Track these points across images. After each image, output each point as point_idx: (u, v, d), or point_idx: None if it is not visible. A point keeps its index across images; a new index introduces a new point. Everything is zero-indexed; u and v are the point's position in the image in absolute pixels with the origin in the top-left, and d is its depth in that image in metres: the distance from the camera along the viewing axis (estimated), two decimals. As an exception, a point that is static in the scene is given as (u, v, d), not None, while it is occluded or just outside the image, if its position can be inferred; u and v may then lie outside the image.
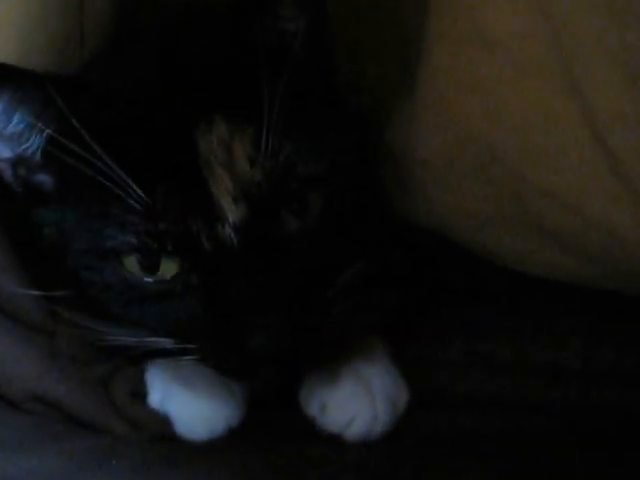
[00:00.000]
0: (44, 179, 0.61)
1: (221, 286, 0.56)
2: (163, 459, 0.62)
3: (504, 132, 0.57)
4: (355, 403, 0.64)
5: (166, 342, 0.60)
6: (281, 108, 0.56)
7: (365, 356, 0.67)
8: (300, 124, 0.58)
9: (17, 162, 0.60)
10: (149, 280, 0.58)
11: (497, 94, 0.56)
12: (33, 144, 0.59)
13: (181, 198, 0.56)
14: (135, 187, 0.55)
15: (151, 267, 0.58)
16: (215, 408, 0.64)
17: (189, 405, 0.64)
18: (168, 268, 0.58)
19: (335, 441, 0.64)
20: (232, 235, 0.56)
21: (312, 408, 0.65)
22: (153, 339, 0.60)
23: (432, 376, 0.69)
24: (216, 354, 0.59)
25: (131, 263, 0.58)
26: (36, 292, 0.63)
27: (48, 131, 0.58)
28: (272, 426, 0.67)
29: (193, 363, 0.60)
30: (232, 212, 0.56)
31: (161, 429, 0.64)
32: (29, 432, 0.62)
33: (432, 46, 0.59)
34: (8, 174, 0.61)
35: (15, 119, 0.58)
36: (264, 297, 0.56)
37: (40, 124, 0.58)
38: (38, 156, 0.60)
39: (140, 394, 0.65)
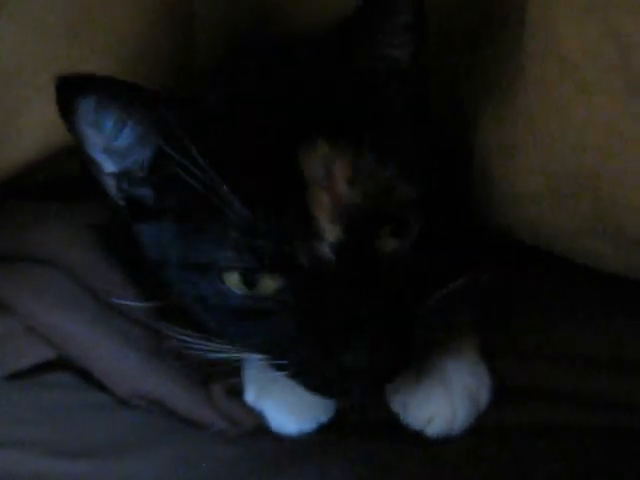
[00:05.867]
0: (145, 193, 0.63)
1: (317, 304, 0.58)
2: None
3: (585, 155, 0.56)
4: (434, 402, 0.65)
5: (256, 357, 0.63)
6: (381, 131, 0.58)
7: (451, 351, 0.68)
8: (398, 147, 0.60)
9: (121, 175, 0.63)
10: (247, 296, 0.60)
11: (571, 114, 0.55)
12: (139, 158, 0.62)
13: (281, 215, 0.57)
14: (238, 202, 0.57)
15: (250, 283, 0.60)
16: (305, 406, 0.67)
17: (281, 403, 0.68)
18: (266, 285, 0.59)
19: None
20: (330, 254, 0.58)
21: (396, 405, 0.67)
22: (243, 354, 0.63)
23: (521, 368, 0.69)
24: (307, 372, 0.60)
25: (232, 278, 0.60)
26: (133, 303, 0.67)
27: (156, 145, 0.61)
28: (362, 420, 0.69)
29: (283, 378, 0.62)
30: (330, 232, 0.58)
31: (255, 424, 0.68)
32: (131, 433, 0.68)
33: (524, 62, 0.59)
34: (112, 187, 0.64)
35: (124, 133, 0.61)
36: (359, 315, 0.57)
37: (148, 139, 0.61)
38: (142, 170, 0.62)
39: (236, 392, 0.69)
